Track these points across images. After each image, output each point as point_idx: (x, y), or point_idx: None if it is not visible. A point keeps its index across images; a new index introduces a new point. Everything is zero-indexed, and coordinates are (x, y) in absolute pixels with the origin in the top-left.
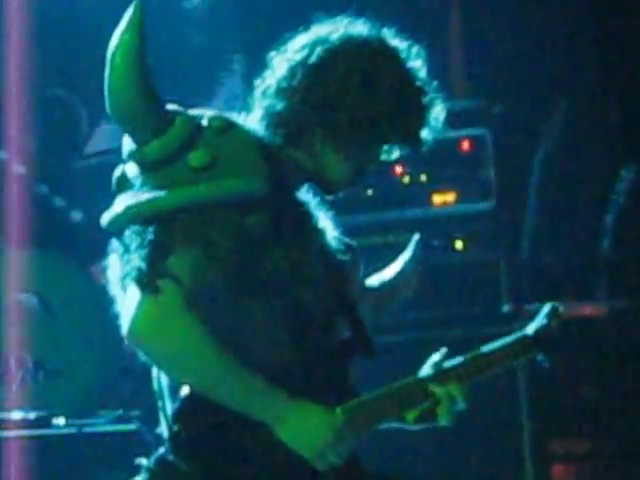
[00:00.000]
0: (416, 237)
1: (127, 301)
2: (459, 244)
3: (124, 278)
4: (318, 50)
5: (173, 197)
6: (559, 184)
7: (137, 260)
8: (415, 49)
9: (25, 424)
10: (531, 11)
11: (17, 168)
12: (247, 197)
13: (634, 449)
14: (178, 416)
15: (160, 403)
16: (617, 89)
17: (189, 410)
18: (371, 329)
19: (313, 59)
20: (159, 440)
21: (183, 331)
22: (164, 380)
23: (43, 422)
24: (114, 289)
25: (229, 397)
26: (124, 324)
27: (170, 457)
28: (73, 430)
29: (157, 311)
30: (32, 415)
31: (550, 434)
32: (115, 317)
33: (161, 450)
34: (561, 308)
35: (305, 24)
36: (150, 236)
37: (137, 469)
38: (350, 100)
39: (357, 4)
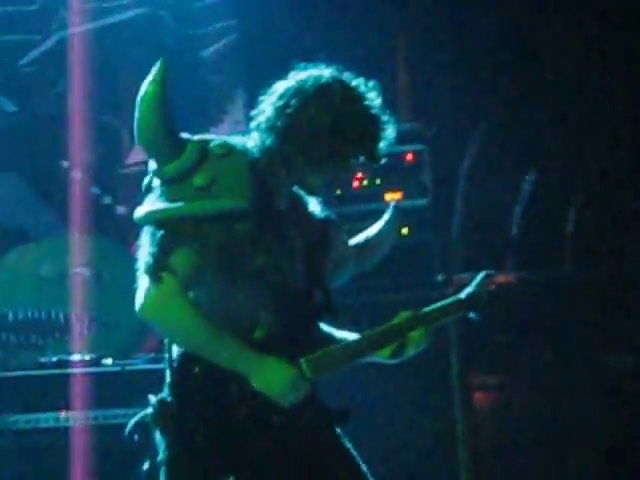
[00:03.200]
0: (393, 204)
1: (140, 285)
2: (405, 230)
3: (138, 269)
4: (294, 101)
5: (179, 209)
6: (480, 184)
7: (147, 256)
8: (370, 84)
9: (82, 364)
10: (457, 51)
11: (77, 174)
12: (234, 212)
13: (538, 382)
14: (175, 368)
15: (166, 355)
16: (524, 114)
17: (183, 364)
18: (336, 294)
19: (290, 109)
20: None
21: (177, 310)
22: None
23: (95, 362)
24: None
25: (213, 356)
26: (137, 304)
27: (169, 399)
28: (118, 368)
29: (159, 296)
30: (87, 357)
31: (472, 369)
32: None
33: (164, 391)
34: (491, 276)
35: (291, 67)
36: (158, 238)
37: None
38: (322, 137)
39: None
